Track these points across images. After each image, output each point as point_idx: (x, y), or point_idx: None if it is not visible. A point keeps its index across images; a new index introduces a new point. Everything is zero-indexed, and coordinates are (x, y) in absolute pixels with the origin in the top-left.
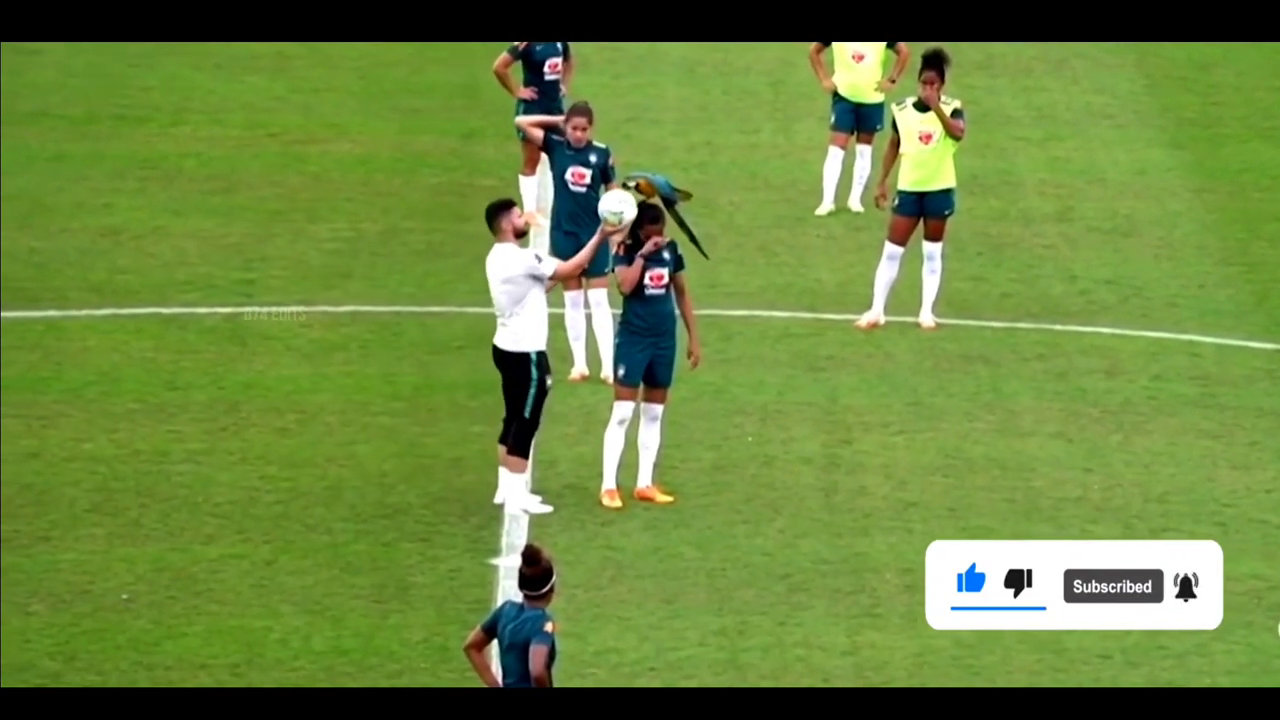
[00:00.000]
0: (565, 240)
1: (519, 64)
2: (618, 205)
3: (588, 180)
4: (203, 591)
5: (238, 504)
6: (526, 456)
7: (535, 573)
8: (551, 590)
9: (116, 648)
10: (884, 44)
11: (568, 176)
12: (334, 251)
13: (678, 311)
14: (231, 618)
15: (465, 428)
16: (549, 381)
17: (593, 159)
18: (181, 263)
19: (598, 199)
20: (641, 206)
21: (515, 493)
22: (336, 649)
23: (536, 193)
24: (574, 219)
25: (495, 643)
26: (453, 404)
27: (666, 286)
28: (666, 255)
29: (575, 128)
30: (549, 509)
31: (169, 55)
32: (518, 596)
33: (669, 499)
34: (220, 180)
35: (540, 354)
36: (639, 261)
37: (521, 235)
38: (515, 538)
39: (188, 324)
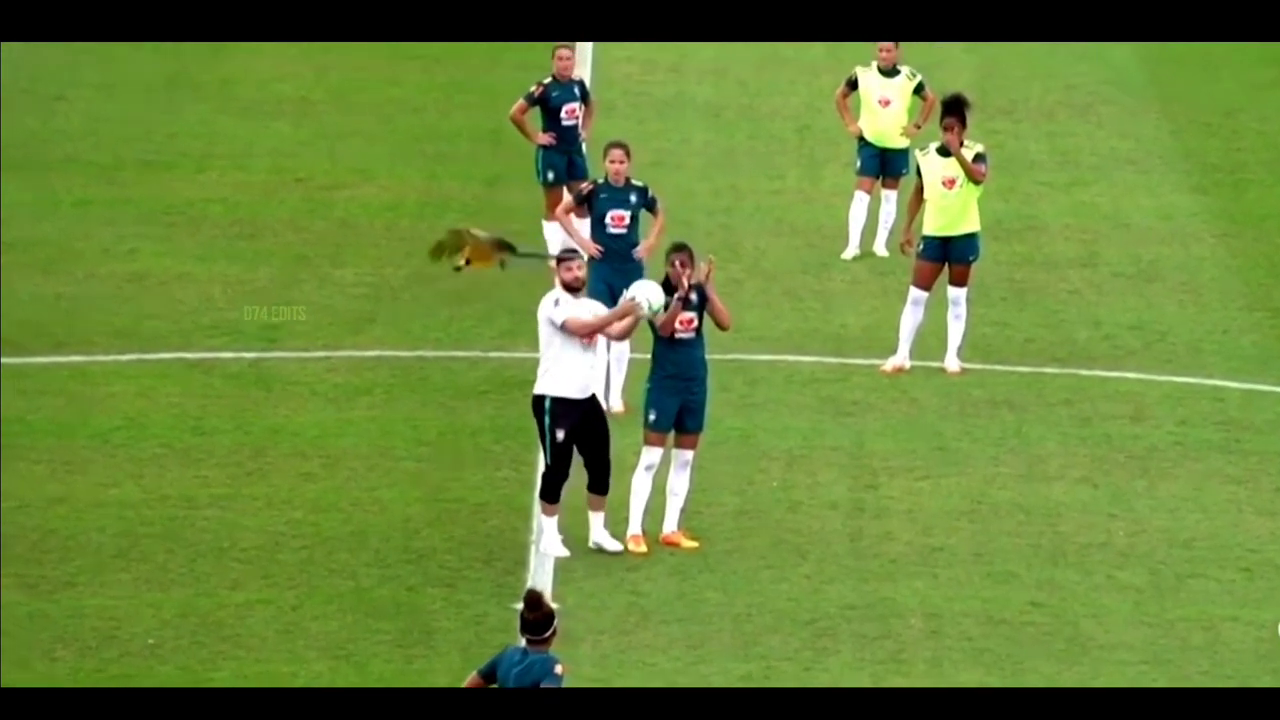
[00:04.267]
0: (601, 284)
1: (536, 110)
2: (657, 298)
3: (627, 222)
4: (229, 637)
5: (263, 549)
6: (547, 500)
7: (537, 617)
8: (554, 635)
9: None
10: (911, 89)
11: (607, 220)
12: (359, 296)
13: (706, 355)
14: (257, 663)
15: (490, 473)
16: (560, 434)
17: (632, 199)
18: (207, 308)
19: (636, 241)
20: (675, 246)
21: (546, 536)
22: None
23: (561, 238)
24: (610, 261)
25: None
26: (477, 449)
27: (697, 330)
28: (695, 298)
29: (612, 160)
30: (566, 553)
31: (195, 102)
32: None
33: (694, 544)
34: (246, 225)
35: (555, 400)
36: (675, 305)
37: (569, 288)
38: (539, 582)
39: (213, 369)
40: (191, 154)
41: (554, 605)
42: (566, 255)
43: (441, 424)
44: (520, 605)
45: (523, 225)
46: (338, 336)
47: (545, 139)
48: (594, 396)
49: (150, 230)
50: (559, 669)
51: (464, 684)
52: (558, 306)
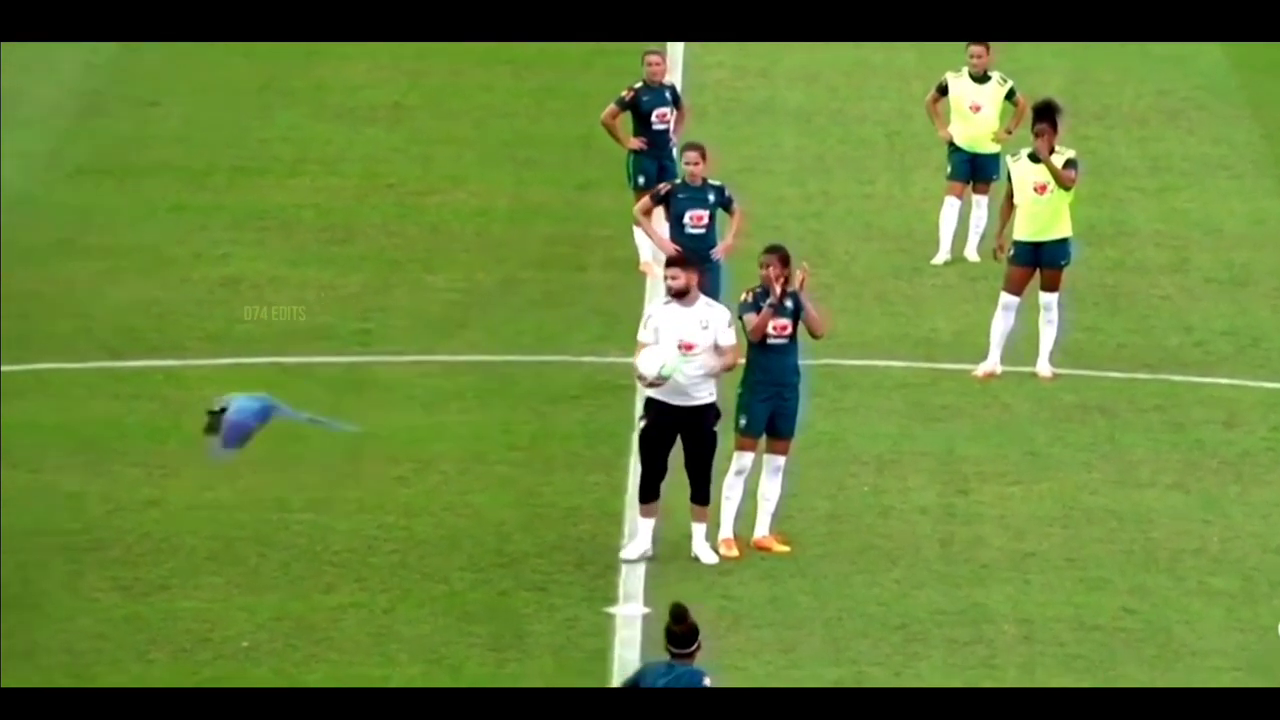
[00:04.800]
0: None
1: (627, 115)
2: (669, 362)
3: (705, 221)
4: (322, 640)
5: (356, 552)
6: (639, 500)
7: (683, 630)
8: (699, 648)
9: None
10: (1002, 94)
11: (686, 220)
12: (451, 302)
13: (800, 362)
14: (350, 666)
15: (581, 477)
16: (640, 424)
17: (710, 198)
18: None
19: (714, 241)
20: (769, 249)
21: (635, 538)
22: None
23: (649, 242)
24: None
25: None
26: (569, 453)
27: (791, 336)
28: (789, 305)
29: (688, 162)
30: (635, 554)
31: (288, 107)
32: (633, 644)
33: (786, 549)
34: (337, 230)
35: (648, 400)
36: (766, 310)
37: (672, 295)
38: (632, 587)
39: (306, 374)
40: (284, 159)
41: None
42: (669, 263)
43: (533, 428)
44: (612, 609)
45: (613, 230)
46: (430, 341)
47: (636, 144)
48: (699, 407)
49: (243, 235)
50: (707, 680)
51: None
52: (648, 321)
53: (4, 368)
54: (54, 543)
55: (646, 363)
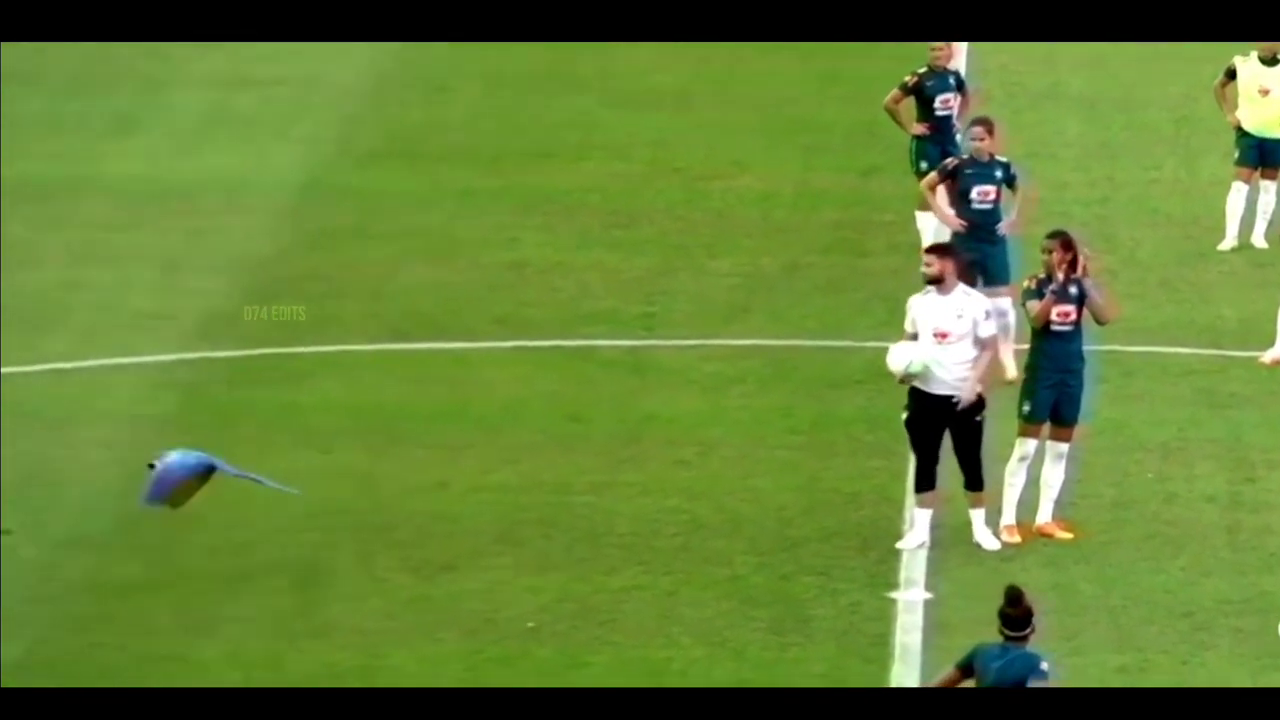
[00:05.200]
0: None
1: (911, 100)
2: (917, 358)
3: (992, 197)
4: (605, 622)
5: (639, 535)
6: (915, 490)
7: (1018, 613)
8: (1033, 631)
9: (522, 676)
10: None
11: (973, 195)
12: (734, 286)
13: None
14: (634, 648)
15: (863, 463)
16: (904, 415)
17: (997, 174)
18: (585, 296)
19: (1000, 217)
20: (1051, 234)
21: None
22: (737, 680)
23: (934, 227)
24: (977, 236)
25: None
26: (850, 439)
27: (1075, 323)
28: (1074, 291)
29: (974, 137)
30: (912, 545)
31: (575, 93)
32: (915, 629)
33: (1069, 535)
34: (623, 215)
35: (911, 390)
36: (1049, 297)
37: (927, 281)
38: (914, 572)
39: (590, 356)
40: (570, 144)
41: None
42: (927, 250)
43: (814, 413)
44: (894, 594)
45: (896, 215)
46: (713, 325)
47: (920, 129)
48: (971, 398)
49: (530, 220)
50: (1045, 665)
51: (936, 681)
52: (908, 311)
53: (297, 349)
54: (345, 523)
55: (895, 358)
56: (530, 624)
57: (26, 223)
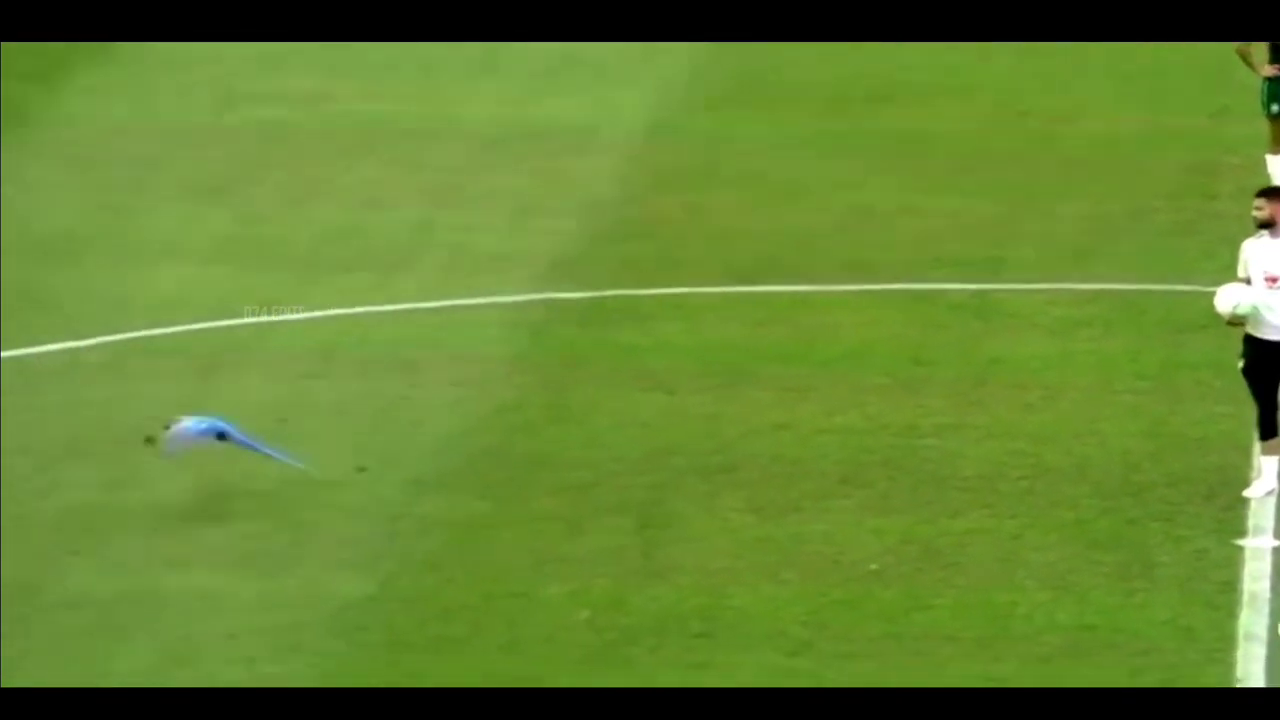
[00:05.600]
0: None
1: (1262, 43)
2: (1245, 305)
3: None
4: (949, 564)
5: (984, 478)
6: (1260, 438)
7: None
8: None
9: (866, 618)
10: None
11: None
12: (1081, 230)
13: None
14: (977, 591)
15: (1210, 408)
16: (1239, 364)
17: None
18: (931, 240)
19: None
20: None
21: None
22: (1081, 625)
23: None
24: None
25: None
26: (1197, 383)
27: None
28: None
29: None
30: (1260, 493)
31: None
32: (1262, 577)
33: None
34: (969, 159)
35: (1245, 337)
36: None
37: (1258, 225)
38: (1262, 520)
39: (935, 300)
40: (916, 87)
41: None
42: (1258, 194)
43: (1161, 357)
44: (1242, 542)
45: (1245, 159)
46: (1060, 269)
47: (1271, 70)
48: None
49: (877, 164)
50: None
51: None
52: (1240, 255)
53: (644, 291)
54: (689, 464)
55: (1223, 299)
56: (874, 566)
57: (383, 164)
